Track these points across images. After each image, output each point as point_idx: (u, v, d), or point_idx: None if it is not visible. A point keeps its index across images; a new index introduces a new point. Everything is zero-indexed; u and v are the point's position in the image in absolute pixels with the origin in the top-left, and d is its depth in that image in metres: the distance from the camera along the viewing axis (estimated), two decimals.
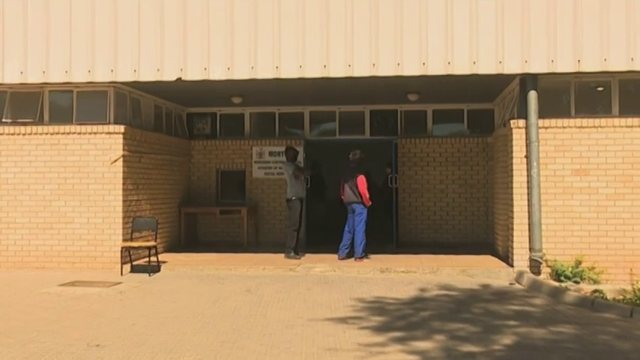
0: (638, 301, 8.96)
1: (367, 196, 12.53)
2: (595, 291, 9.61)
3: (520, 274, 10.91)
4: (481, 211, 14.86)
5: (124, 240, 11.81)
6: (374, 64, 11.11)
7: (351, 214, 12.72)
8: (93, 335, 7.35)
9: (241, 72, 11.36)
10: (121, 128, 11.91)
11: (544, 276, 10.90)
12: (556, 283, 10.33)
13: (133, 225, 12.00)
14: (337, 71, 11.21)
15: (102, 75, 11.66)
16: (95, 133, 11.93)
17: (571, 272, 10.61)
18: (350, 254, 12.63)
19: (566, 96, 11.37)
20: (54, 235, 11.98)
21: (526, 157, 11.11)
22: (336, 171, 13.41)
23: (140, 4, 11.53)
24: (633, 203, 10.91)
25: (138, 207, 12.53)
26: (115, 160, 11.86)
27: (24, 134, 12.10)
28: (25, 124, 12.19)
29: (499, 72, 11.04)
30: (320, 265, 11.90)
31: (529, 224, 11.06)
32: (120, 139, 11.87)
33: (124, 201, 11.92)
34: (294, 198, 13.08)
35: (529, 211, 11.06)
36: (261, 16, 11.29)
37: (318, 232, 15.90)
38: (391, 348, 6.82)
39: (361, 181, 12.54)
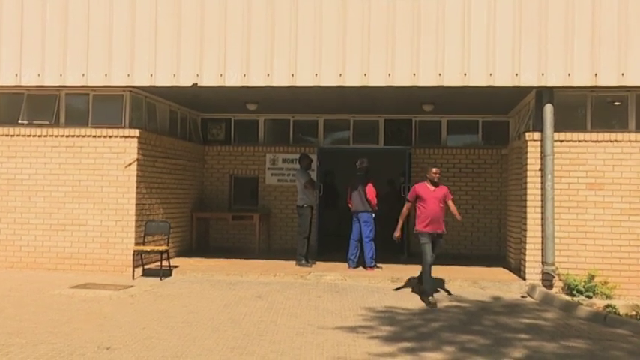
0: None
1: (375, 202, 12.55)
2: (607, 306, 9.54)
3: (532, 287, 10.85)
4: (494, 223, 14.80)
5: (137, 243, 11.85)
6: (389, 74, 11.11)
7: (356, 223, 12.73)
8: (103, 338, 7.37)
9: (257, 79, 11.41)
10: (136, 132, 11.97)
11: (556, 290, 10.84)
12: (568, 297, 10.26)
13: (145, 229, 12.04)
14: (353, 80, 11.22)
15: (118, 79, 11.74)
16: (110, 137, 12.00)
17: (583, 286, 10.54)
18: (359, 263, 12.63)
19: (582, 109, 11.33)
20: (67, 236, 12.04)
21: (540, 170, 11.07)
22: (348, 179, 13.38)
23: (157, 9, 11.60)
24: None
25: (151, 211, 12.58)
26: (130, 164, 11.92)
27: (40, 136, 12.19)
28: (41, 126, 12.29)
29: (515, 84, 11.02)
30: (331, 274, 11.89)
31: (542, 237, 11.01)
32: (135, 142, 11.94)
33: (137, 205, 11.97)
34: (304, 205, 13.10)
35: (542, 224, 11.01)
36: (278, 23, 11.33)
37: (329, 240, 15.89)
38: (400, 358, 6.80)
39: (370, 189, 12.56)
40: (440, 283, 11.03)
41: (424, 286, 10.18)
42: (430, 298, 9.78)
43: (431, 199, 10.18)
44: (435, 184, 10.34)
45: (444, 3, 11.04)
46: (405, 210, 10.64)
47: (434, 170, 10.39)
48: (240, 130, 15.88)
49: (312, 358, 6.75)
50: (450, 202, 10.38)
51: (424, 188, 10.32)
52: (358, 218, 12.69)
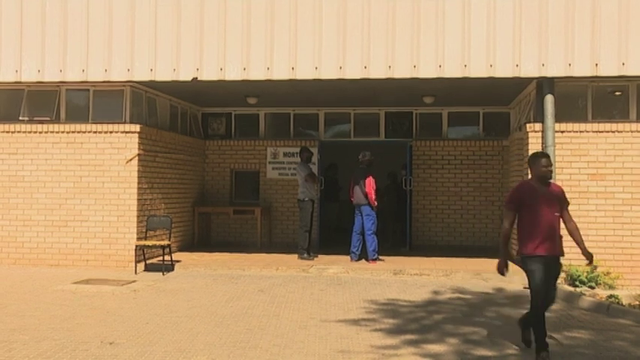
0: None
1: (372, 196, 12.51)
2: (610, 296, 9.52)
3: None
4: (495, 214, 14.78)
5: (139, 238, 11.85)
6: (390, 66, 11.09)
7: (358, 216, 12.74)
8: (106, 333, 7.38)
9: (257, 73, 11.38)
10: (137, 127, 11.96)
11: (559, 281, 10.78)
12: (571, 288, 10.24)
13: (147, 224, 12.04)
14: (353, 73, 11.19)
15: (118, 74, 11.72)
16: (111, 132, 11.99)
17: (586, 277, 10.51)
18: (362, 256, 12.64)
19: (583, 100, 11.29)
20: (69, 232, 12.04)
21: None
22: (350, 172, 13.38)
23: (157, 3, 11.57)
24: None
25: (152, 206, 12.58)
26: (131, 159, 11.91)
27: (40, 132, 12.17)
28: (41, 122, 12.26)
29: (516, 75, 10.98)
30: (333, 267, 11.89)
31: None
32: (135, 138, 11.92)
33: (138, 200, 11.96)
34: (305, 199, 13.10)
35: None
36: (277, 16, 11.30)
37: (331, 233, 15.89)
38: (404, 350, 6.80)
39: (369, 182, 12.54)
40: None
41: (533, 332, 6.76)
42: (543, 354, 6.46)
43: (542, 205, 6.69)
44: (546, 183, 6.87)
45: None
46: (507, 226, 6.83)
47: (543, 161, 6.83)
48: (241, 124, 15.87)
49: (316, 351, 6.75)
50: (568, 214, 6.98)
51: (531, 189, 6.83)
52: (360, 211, 12.69)
